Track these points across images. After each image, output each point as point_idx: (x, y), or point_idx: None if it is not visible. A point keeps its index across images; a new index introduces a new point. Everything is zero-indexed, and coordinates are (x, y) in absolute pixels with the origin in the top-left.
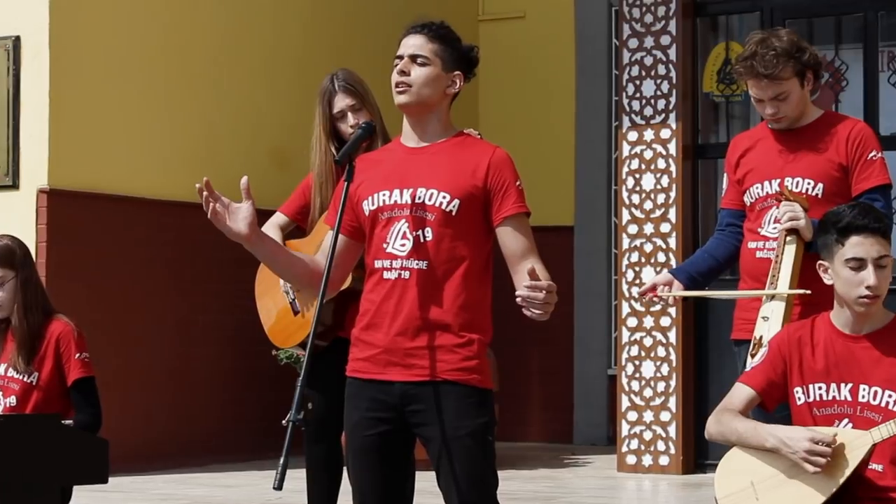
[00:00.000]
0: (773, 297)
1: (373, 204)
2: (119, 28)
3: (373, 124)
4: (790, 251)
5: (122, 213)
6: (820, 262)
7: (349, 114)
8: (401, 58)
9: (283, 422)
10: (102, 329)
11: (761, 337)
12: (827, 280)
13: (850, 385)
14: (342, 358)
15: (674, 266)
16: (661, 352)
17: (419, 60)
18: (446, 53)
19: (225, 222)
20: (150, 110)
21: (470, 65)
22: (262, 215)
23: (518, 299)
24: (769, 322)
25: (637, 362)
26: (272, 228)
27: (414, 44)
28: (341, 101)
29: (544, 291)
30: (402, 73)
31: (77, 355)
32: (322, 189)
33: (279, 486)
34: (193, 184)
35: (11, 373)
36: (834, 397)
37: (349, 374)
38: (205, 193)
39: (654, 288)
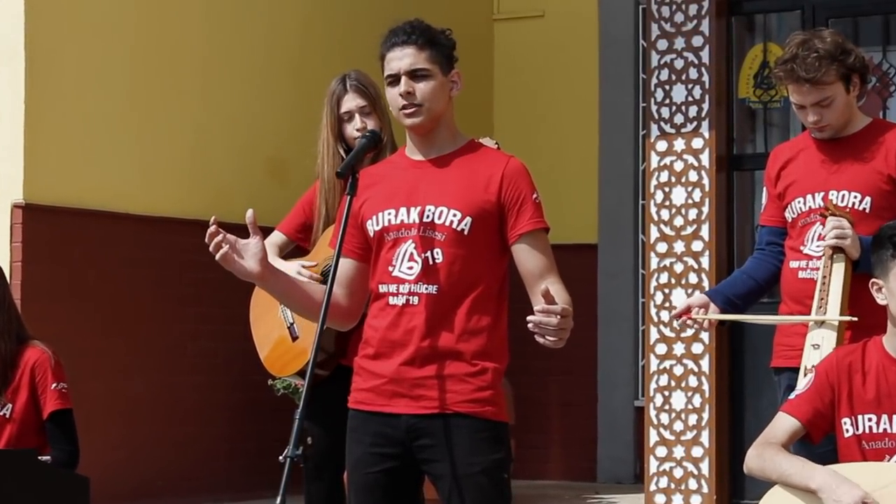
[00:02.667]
0: (822, 324)
1: (377, 224)
2: (101, 29)
3: (379, 133)
4: (838, 271)
5: (104, 229)
6: (873, 280)
7: (357, 115)
8: (394, 77)
9: (281, 458)
10: (82, 356)
11: (814, 367)
12: (880, 300)
13: None
14: (344, 388)
15: (707, 288)
16: (692, 381)
17: (420, 74)
18: (439, 55)
19: (234, 262)
20: (135, 118)
21: (454, 51)
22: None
23: (529, 325)
24: (820, 351)
25: (667, 393)
26: (269, 249)
27: (406, 57)
28: (350, 101)
29: (558, 316)
30: (408, 93)
31: (54, 385)
32: (330, 196)
33: None
34: (182, 198)
35: None
36: (885, 430)
37: (352, 406)
38: (216, 239)
39: (688, 310)
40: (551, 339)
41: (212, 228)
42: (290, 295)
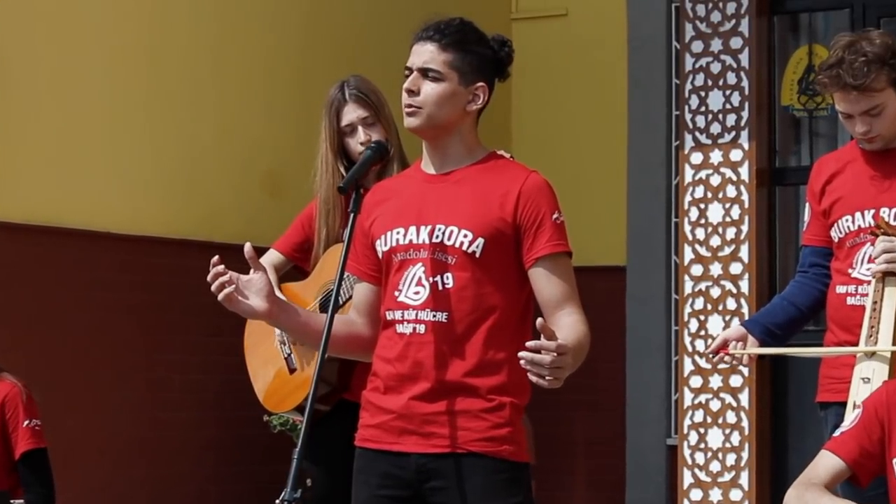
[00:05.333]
0: (872, 355)
1: (385, 244)
2: (82, 30)
3: (385, 144)
4: (890, 296)
5: (82, 250)
6: None
7: (360, 128)
8: (410, 70)
9: (277, 501)
10: (58, 390)
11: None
12: None
13: None
14: (347, 424)
15: (746, 316)
16: (730, 417)
17: (430, 75)
18: (464, 63)
19: (238, 303)
20: (117, 128)
21: (500, 67)
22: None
23: (521, 362)
24: (870, 384)
25: (702, 430)
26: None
27: (424, 54)
28: (351, 113)
29: (553, 353)
30: (410, 91)
31: (26, 422)
32: (329, 217)
33: None
34: (169, 215)
35: None
36: None
37: (358, 444)
38: (221, 279)
39: (724, 345)
40: (547, 378)
41: (219, 268)
42: (303, 330)
